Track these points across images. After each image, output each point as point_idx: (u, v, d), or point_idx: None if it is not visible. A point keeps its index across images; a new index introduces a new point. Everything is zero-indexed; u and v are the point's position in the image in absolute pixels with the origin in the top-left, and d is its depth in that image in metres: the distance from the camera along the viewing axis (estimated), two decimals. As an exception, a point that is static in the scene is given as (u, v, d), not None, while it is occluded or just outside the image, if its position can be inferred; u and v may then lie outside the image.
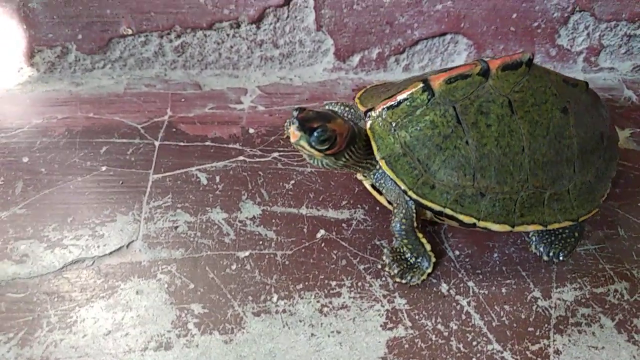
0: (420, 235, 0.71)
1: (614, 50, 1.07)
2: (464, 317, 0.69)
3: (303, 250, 0.74)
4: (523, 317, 0.69)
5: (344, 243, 0.76)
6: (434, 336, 0.67)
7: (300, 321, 0.67)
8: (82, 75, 0.98)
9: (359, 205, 0.81)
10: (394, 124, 0.68)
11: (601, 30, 1.04)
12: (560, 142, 0.69)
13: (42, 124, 0.89)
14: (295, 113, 0.64)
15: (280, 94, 0.99)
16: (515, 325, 0.68)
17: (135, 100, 0.94)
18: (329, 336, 0.65)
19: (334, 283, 0.71)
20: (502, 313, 0.69)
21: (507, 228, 0.68)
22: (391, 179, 0.68)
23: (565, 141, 0.70)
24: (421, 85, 0.67)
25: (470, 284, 0.72)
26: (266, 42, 0.98)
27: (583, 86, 0.76)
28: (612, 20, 1.02)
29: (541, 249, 0.74)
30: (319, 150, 0.64)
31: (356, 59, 1.02)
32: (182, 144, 0.88)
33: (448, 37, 1.01)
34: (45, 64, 0.96)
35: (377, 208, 0.80)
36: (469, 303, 0.70)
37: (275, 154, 0.88)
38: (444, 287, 0.72)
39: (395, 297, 0.70)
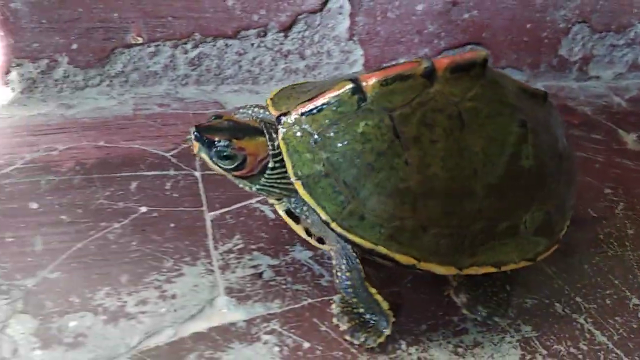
0: (373, 290, 0.56)
1: (600, 60, 1.14)
2: (587, 336, 0.66)
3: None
4: (635, 326, 0.67)
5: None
6: (571, 361, 0.62)
7: (440, 367, 0.58)
8: (71, 94, 0.79)
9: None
10: (315, 135, 0.53)
11: (593, 41, 1.10)
12: (517, 163, 0.57)
13: (40, 157, 0.69)
14: (193, 127, 0.54)
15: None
16: (632, 335, 0.66)
17: (151, 124, 0.78)
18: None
19: (456, 319, 0.64)
20: (616, 325, 0.67)
21: (453, 271, 0.56)
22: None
23: (522, 162, 0.58)
24: (350, 85, 0.53)
25: (578, 299, 0.70)
26: (293, 53, 0.88)
27: (542, 97, 0.64)
28: (603, 31, 1.08)
29: (466, 302, 0.63)
30: (223, 169, 0.55)
31: (385, 70, 0.95)
32: (228, 172, 0.74)
33: (468, 47, 0.99)
34: (24, 81, 0.76)
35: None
36: (586, 320, 0.67)
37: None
38: (558, 307, 0.68)
39: (519, 324, 0.65)
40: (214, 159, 0.54)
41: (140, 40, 0.77)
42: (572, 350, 0.63)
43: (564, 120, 0.96)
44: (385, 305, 0.57)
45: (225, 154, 0.53)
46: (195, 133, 0.53)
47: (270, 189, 0.58)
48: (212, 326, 0.57)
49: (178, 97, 0.84)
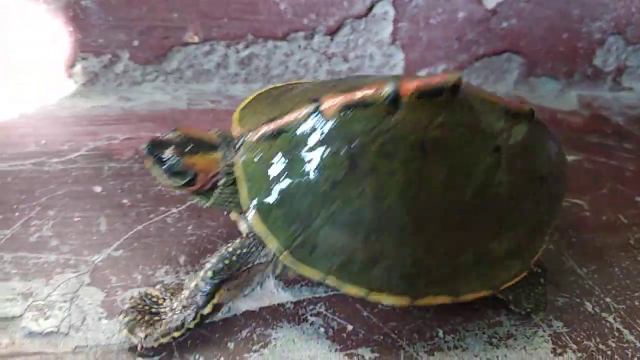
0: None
1: (633, 71, 1.16)
2: (616, 334, 0.68)
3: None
4: (663, 329, 0.70)
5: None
6: (600, 357, 0.65)
7: (476, 356, 0.62)
8: (129, 88, 0.84)
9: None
10: (271, 161, 0.51)
11: (627, 52, 1.12)
12: (486, 191, 0.55)
13: (102, 146, 0.74)
14: (145, 142, 0.53)
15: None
16: (659, 337, 0.69)
17: (204, 118, 0.83)
18: (510, 369, 0.61)
19: (490, 312, 0.67)
20: (645, 326, 0.70)
21: (406, 301, 0.54)
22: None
23: (492, 189, 0.55)
24: (311, 109, 0.51)
25: (608, 299, 0.72)
26: (337, 56, 0.92)
27: (527, 115, 0.59)
28: (638, 42, 1.10)
29: (512, 299, 0.65)
30: (174, 185, 0.54)
31: (422, 74, 0.99)
32: (274, 166, 0.79)
33: (505, 55, 1.02)
34: (87, 74, 0.81)
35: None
36: (615, 319, 0.70)
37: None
38: (588, 306, 0.71)
39: (551, 319, 0.68)
40: (164, 175, 0.53)
41: (196, 39, 0.82)
42: (601, 346, 0.66)
43: (597, 129, 0.99)
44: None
45: (175, 170, 0.52)
46: (147, 149, 0.52)
47: (224, 203, 0.57)
48: (262, 306, 0.61)
49: (228, 94, 0.89)
